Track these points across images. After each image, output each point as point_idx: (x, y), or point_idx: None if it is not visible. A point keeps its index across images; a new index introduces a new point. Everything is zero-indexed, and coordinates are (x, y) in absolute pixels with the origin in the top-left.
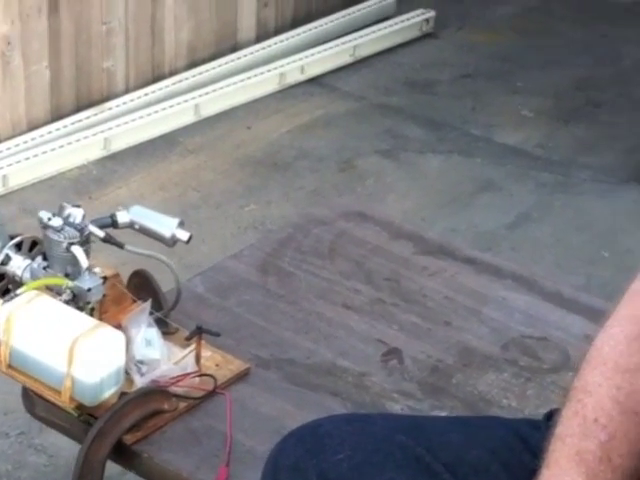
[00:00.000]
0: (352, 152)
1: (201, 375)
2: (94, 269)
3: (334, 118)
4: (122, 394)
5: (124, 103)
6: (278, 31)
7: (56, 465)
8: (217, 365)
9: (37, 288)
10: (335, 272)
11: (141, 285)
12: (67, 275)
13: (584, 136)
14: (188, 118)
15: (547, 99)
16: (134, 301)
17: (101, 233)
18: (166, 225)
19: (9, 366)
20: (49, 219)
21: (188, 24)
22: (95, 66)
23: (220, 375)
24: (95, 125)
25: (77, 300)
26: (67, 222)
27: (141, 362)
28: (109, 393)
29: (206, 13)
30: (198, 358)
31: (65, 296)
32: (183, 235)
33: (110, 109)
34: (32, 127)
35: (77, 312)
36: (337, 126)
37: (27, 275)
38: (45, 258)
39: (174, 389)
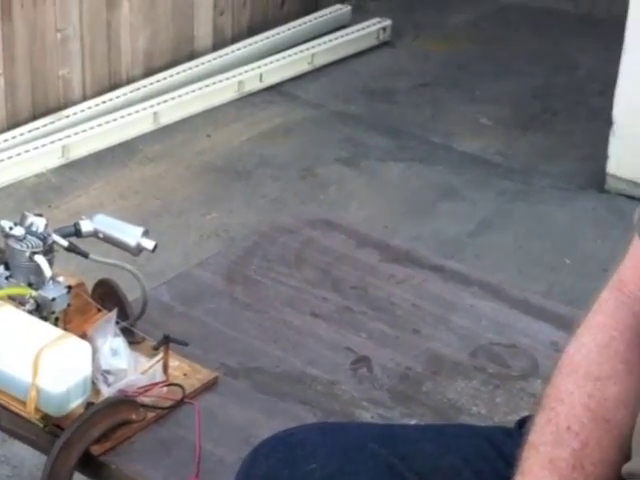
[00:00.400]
0: (313, 160)
1: (169, 385)
2: (58, 278)
3: (294, 126)
4: (89, 404)
5: (82, 111)
6: (235, 39)
7: (20, 476)
8: (185, 374)
9: (0, 298)
10: (302, 280)
11: (106, 294)
12: (30, 285)
13: (542, 144)
14: (147, 126)
15: (504, 107)
16: (99, 310)
17: (64, 242)
18: (131, 234)
19: None
20: (11, 228)
21: (144, 32)
22: (51, 73)
23: (188, 384)
24: (53, 133)
25: (41, 310)
26: (29, 231)
27: (108, 372)
28: (76, 403)
29: (162, 21)
30: (166, 367)
31: (29, 306)
32: (148, 244)
33: (67, 117)
34: None
35: (42, 322)
36: (297, 134)
37: None
38: (7, 267)
39: (142, 399)
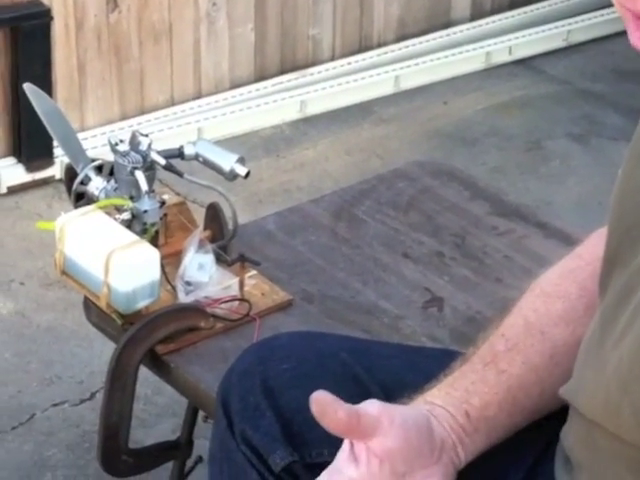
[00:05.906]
0: (543, 134)
1: (240, 300)
2: (163, 196)
3: (533, 99)
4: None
5: (326, 70)
6: (494, 11)
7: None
8: (262, 294)
9: (104, 207)
10: (405, 224)
11: (214, 217)
12: (131, 197)
13: None
14: (387, 89)
15: None
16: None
17: (162, 161)
18: (226, 159)
19: (63, 272)
20: (116, 144)
21: None
22: (300, 32)
23: (262, 303)
24: (295, 88)
25: (137, 221)
26: (134, 148)
27: (189, 283)
28: (142, 304)
29: None
30: (241, 285)
31: (125, 215)
32: (241, 170)
33: (312, 75)
34: (234, 86)
35: (123, 228)
36: (534, 107)
37: (102, 195)
38: (116, 181)
39: (213, 310)
